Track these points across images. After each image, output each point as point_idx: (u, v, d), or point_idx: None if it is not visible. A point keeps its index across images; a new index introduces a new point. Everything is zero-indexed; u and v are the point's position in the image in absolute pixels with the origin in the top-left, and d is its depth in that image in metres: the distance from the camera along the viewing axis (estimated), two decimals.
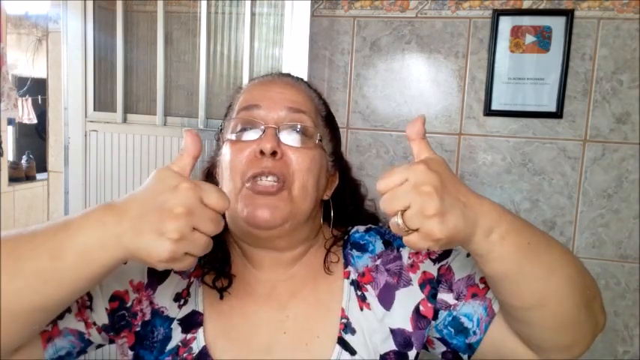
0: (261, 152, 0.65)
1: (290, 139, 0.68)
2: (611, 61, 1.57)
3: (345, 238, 0.78)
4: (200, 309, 0.71)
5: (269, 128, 0.66)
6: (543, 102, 1.61)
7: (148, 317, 0.70)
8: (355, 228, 0.79)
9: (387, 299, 0.70)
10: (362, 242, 0.76)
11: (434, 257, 0.72)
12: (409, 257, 0.72)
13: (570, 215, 1.63)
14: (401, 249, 0.74)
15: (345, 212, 0.80)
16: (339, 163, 0.79)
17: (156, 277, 0.71)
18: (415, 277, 0.71)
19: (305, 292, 0.72)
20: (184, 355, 0.67)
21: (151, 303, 0.70)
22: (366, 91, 1.72)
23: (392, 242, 0.75)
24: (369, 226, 0.79)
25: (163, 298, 0.71)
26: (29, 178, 4.41)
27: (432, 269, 0.71)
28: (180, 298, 0.71)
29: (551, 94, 1.60)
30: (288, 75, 0.77)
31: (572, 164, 1.62)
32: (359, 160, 1.73)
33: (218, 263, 0.72)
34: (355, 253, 0.75)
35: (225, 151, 0.70)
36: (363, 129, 1.73)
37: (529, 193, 1.65)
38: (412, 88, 1.69)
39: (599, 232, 1.62)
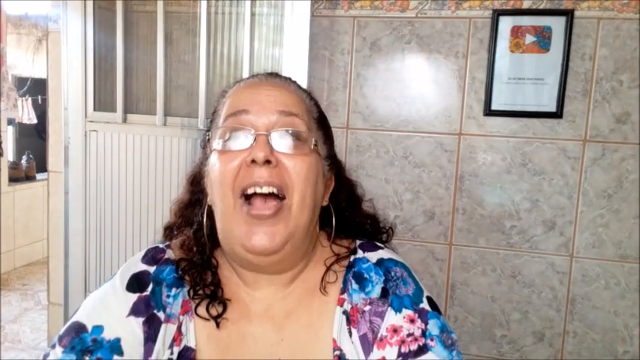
0: (253, 161, 0.62)
1: (283, 145, 0.64)
2: (611, 61, 1.57)
3: (352, 259, 0.72)
4: (192, 344, 0.67)
5: (260, 135, 0.63)
6: (543, 102, 1.60)
7: None
8: (365, 254, 0.72)
9: (365, 348, 0.65)
10: (365, 276, 0.69)
11: (404, 351, 0.63)
12: (387, 329, 0.65)
13: (570, 215, 1.63)
14: (389, 309, 0.66)
15: (342, 216, 0.75)
16: (335, 165, 0.74)
17: (150, 340, 0.66)
18: (375, 354, 0.64)
19: (299, 311, 0.69)
20: None
21: None
22: (366, 91, 1.72)
23: (389, 294, 0.67)
24: (382, 257, 0.71)
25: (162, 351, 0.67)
26: (29, 178, 4.41)
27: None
28: (174, 341, 0.67)
29: (551, 94, 1.60)
30: (276, 75, 0.73)
31: (572, 164, 1.62)
32: (359, 160, 1.73)
33: (208, 288, 0.68)
34: (354, 285, 0.69)
35: (214, 161, 0.65)
36: (363, 129, 1.73)
37: (529, 193, 1.65)
38: (412, 88, 1.69)
39: (599, 232, 1.62)
